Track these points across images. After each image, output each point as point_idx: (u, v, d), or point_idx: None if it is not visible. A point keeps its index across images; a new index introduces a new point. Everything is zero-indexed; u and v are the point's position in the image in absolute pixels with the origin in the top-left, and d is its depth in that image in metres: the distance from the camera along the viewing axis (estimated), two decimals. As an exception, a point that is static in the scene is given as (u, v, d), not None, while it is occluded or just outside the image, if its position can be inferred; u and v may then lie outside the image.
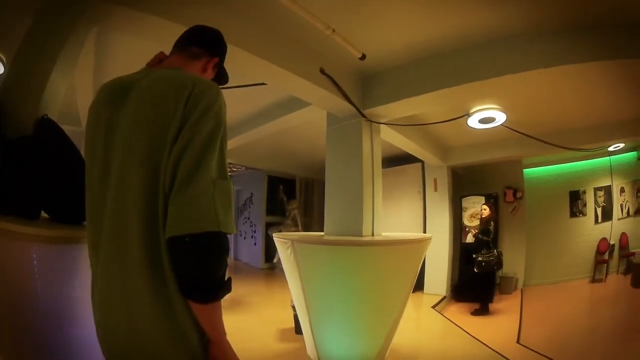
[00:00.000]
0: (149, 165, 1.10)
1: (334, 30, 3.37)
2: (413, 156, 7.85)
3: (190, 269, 1.07)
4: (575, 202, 9.17)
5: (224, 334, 1.20)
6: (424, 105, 4.64)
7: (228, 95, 3.84)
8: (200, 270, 1.08)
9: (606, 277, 8.59)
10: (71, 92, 4.62)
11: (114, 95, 1.26)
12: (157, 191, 1.09)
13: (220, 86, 1.72)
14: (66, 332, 1.69)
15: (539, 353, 4.27)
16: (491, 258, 6.91)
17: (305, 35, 3.70)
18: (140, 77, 1.28)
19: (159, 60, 1.50)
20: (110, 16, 2.85)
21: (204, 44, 1.51)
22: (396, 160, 8.88)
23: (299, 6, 3.04)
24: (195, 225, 1.04)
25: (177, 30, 1.60)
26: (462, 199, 8.98)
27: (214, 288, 1.10)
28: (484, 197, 8.67)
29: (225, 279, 1.15)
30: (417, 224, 8.51)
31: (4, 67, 3.82)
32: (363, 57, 3.90)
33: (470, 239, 8.34)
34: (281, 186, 11.79)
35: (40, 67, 2.33)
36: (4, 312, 1.59)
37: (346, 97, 4.25)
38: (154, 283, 1.09)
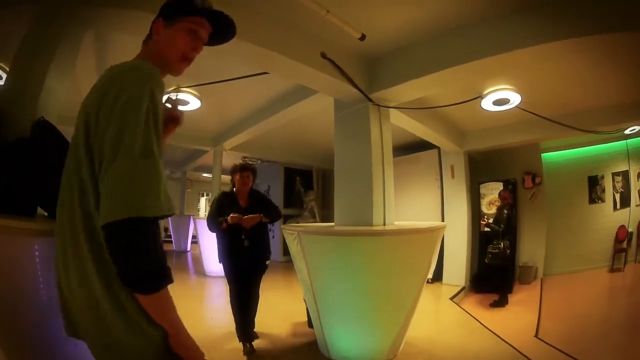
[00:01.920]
0: (85, 158, 1.11)
1: (328, 11, 3.25)
2: (429, 143, 7.73)
3: (117, 258, 1.03)
4: (594, 187, 8.98)
5: (178, 325, 1.15)
6: (431, 86, 4.45)
7: (231, 87, 4.23)
8: (126, 260, 1.02)
9: (624, 266, 8.42)
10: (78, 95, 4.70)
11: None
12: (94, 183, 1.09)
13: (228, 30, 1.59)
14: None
15: (556, 349, 4.13)
16: (496, 250, 6.73)
17: (303, 20, 3.63)
18: None
19: None
20: (102, 18, 2.88)
21: (152, 21, 1.45)
22: (412, 147, 8.79)
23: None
24: (111, 214, 0.99)
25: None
26: (480, 186, 8.85)
27: (145, 278, 1.05)
28: (502, 184, 8.51)
29: (162, 267, 1.09)
30: (435, 212, 8.37)
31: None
32: (363, 37, 3.76)
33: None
34: (298, 178, 11.69)
35: (35, 72, 2.44)
36: (10, 306, 1.68)
37: (350, 81, 4.13)
38: (102, 275, 1.08)
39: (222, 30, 1.53)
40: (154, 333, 1.11)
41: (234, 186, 4.24)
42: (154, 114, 1.09)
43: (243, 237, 3.90)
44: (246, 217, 3.86)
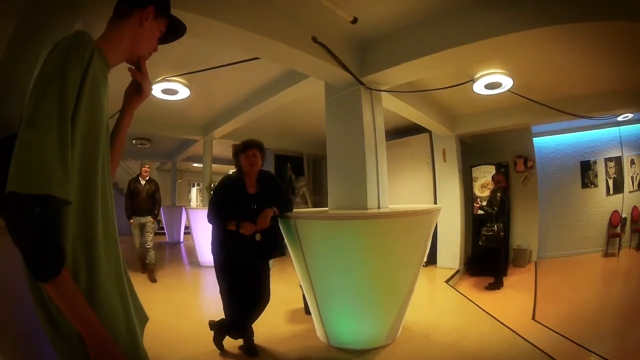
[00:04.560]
0: None
1: (320, -7, 3.20)
2: (420, 127, 7.71)
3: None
4: (586, 172, 9.11)
5: (86, 323, 1.03)
6: (423, 69, 4.42)
7: (220, 74, 4.44)
8: (13, 239, 0.94)
9: (619, 251, 8.57)
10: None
11: None
12: None
13: (178, 36, 1.60)
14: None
15: (555, 332, 4.16)
16: (490, 233, 6.74)
17: (294, 4, 3.59)
18: None
19: None
20: (89, 8, 2.77)
21: (130, 0, 1.37)
22: (403, 131, 8.80)
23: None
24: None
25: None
26: (472, 169, 8.87)
27: (29, 262, 0.96)
28: (494, 167, 8.53)
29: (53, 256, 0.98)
30: (428, 195, 8.38)
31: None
32: (355, 20, 3.74)
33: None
34: (288, 164, 11.54)
35: (23, 67, 2.36)
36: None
37: (342, 65, 4.08)
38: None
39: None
40: (69, 331, 1.06)
41: (240, 170, 3.69)
42: (60, 84, 1.01)
43: (254, 230, 3.34)
44: (260, 218, 3.34)
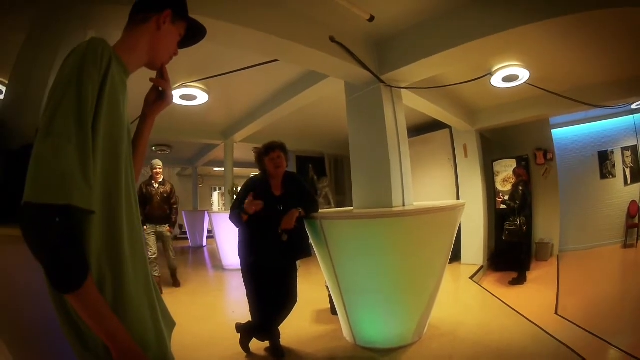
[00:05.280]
0: None
1: (337, -8, 3.21)
2: (440, 123, 7.70)
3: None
4: (604, 162, 9.02)
5: (112, 335, 1.01)
6: (441, 65, 4.42)
7: (239, 78, 4.59)
8: (32, 251, 0.91)
9: (637, 242, 8.47)
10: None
11: None
12: None
13: (198, 39, 1.58)
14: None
15: (578, 326, 4.15)
16: (512, 227, 6.70)
17: (309, 6, 3.61)
18: None
19: None
20: (101, 17, 2.81)
21: (146, 6, 1.35)
22: (423, 128, 8.77)
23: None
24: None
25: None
26: (494, 163, 8.81)
27: (50, 274, 0.93)
28: (515, 160, 8.49)
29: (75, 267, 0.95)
30: (450, 192, 8.34)
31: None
32: (372, 18, 3.73)
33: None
34: (310, 165, 11.46)
35: (37, 77, 2.39)
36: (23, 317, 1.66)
37: (360, 63, 4.08)
38: None
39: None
40: (96, 344, 1.03)
41: (265, 172, 3.61)
42: (77, 91, 0.98)
43: (280, 231, 3.34)
44: (285, 218, 3.33)
